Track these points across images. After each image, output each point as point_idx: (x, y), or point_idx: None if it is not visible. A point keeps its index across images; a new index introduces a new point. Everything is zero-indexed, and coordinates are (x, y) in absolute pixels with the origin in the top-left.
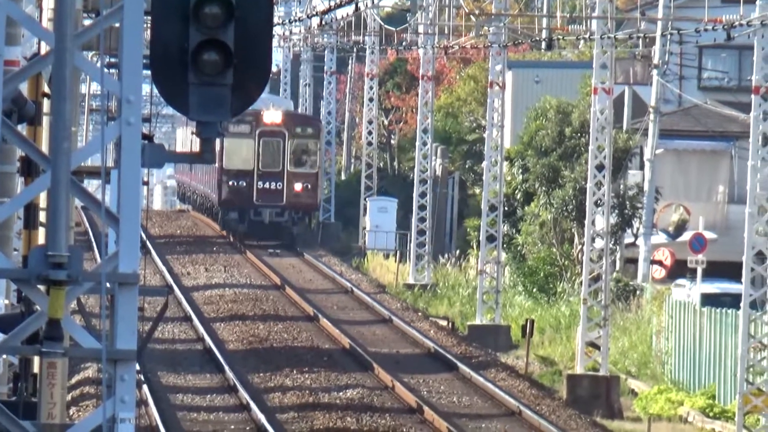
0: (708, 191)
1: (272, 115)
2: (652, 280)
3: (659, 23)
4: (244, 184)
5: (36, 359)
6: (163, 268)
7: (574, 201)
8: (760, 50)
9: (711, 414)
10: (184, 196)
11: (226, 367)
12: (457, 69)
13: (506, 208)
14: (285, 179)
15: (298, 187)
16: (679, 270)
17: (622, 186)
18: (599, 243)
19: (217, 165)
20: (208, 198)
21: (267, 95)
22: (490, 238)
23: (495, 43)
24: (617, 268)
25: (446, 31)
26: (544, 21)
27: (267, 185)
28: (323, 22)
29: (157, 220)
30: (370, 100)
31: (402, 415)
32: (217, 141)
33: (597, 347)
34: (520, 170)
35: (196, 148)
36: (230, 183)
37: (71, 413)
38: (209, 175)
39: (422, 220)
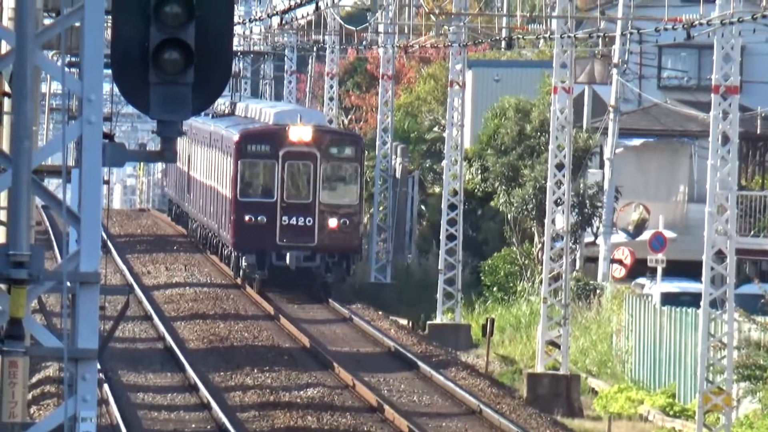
0: (668, 190)
1: (300, 132)
2: (612, 279)
3: (619, 22)
4: (265, 219)
5: None
6: (124, 267)
7: (534, 200)
8: (719, 49)
9: (671, 413)
10: (178, 219)
11: (187, 366)
12: (417, 68)
13: (466, 207)
14: (316, 213)
15: (333, 223)
16: (639, 269)
17: (582, 185)
18: (559, 242)
19: (230, 195)
20: (215, 234)
21: (294, 106)
22: (450, 237)
23: (455, 43)
24: (577, 267)
25: (406, 31)
26: (504, 20)
27: (293, 221)
28: (283, 22)
29: (118, 219)
30: (330, 99)
31: (362, 414)
32: (231, 164)
33: (557, 346)
34: (479, 170)
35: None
36: (247, 218)
37: (32, 412)
38: (217, 205)
39: (382, 219)
